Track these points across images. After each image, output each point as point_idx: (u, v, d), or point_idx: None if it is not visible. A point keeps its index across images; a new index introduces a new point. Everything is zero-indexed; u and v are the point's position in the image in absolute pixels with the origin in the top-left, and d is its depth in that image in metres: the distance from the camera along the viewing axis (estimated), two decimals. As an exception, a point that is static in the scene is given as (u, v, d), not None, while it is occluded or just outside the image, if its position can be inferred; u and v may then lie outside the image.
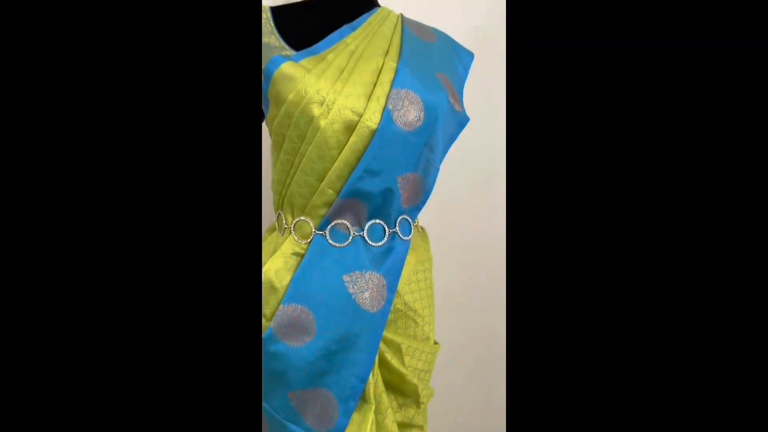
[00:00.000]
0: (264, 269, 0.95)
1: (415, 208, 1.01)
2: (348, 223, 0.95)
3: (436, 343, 1.13)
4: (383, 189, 0.92)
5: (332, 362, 0.95)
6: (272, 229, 1.04)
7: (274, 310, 0.94)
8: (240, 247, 0.56)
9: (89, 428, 0.50)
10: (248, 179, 0.57)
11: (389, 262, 0.98)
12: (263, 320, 0.94)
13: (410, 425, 1.11)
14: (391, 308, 1.00)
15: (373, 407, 0.99)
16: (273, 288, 0.94)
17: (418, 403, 1.08)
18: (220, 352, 0.54)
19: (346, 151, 0.89)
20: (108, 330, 0.51)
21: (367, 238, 0.96)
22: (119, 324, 0.51)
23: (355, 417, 0.99)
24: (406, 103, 0.91)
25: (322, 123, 0.88)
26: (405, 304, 1.03)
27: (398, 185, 0.94)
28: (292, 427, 0.97)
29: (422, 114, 0.92)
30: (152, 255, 0.52)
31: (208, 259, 0.54)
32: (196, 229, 0.54)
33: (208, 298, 0.54)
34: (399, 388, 1.06)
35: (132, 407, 0.51)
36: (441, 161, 1.03)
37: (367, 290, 0.95)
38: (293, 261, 0.96)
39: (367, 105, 0.89)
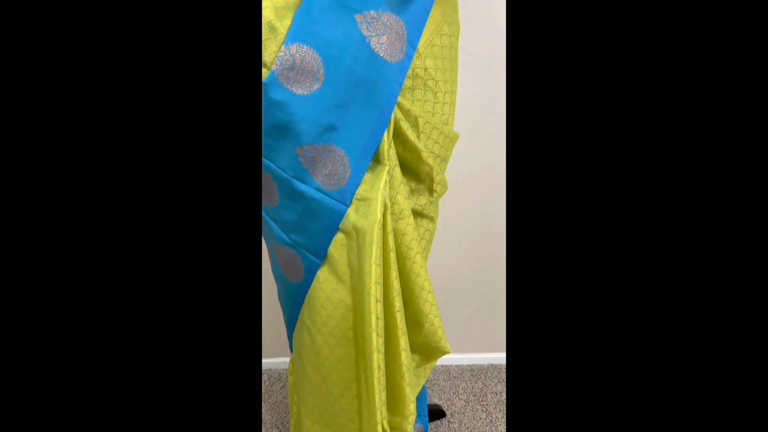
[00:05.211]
0: (263, 6, 0.81)
1: None
2: None
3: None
4: None
5: (343, 116, 0.85)
6: None
7: (275, 55, 0.80)
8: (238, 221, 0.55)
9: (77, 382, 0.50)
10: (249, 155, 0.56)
11: (412, 8, 0.86)
12: (263, 69, 0.81)
13: (421, 214, 1.03)
14: (410, 70, 0.89)
15: (387, 168, 0.89)
16: (272, 29, 0.80)
17: (431, 190, 1.01)
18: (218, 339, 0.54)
19: None
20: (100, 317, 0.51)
21: None
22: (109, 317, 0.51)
23: (368, 177, 0.90)
24: None
25: None
26: (425, 70, 0.92)
27: None
28: (300, 185, 0.88)
29: None
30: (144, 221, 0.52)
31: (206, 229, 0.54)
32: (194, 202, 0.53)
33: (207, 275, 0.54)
34: (413, 168, 0.98)
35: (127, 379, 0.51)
36: None
37: (384, 34, 0.84)
38: None
39: None
